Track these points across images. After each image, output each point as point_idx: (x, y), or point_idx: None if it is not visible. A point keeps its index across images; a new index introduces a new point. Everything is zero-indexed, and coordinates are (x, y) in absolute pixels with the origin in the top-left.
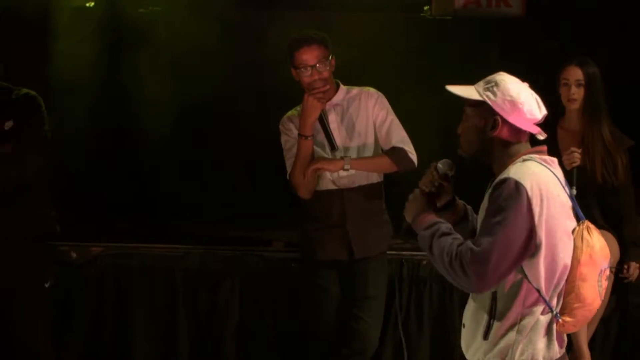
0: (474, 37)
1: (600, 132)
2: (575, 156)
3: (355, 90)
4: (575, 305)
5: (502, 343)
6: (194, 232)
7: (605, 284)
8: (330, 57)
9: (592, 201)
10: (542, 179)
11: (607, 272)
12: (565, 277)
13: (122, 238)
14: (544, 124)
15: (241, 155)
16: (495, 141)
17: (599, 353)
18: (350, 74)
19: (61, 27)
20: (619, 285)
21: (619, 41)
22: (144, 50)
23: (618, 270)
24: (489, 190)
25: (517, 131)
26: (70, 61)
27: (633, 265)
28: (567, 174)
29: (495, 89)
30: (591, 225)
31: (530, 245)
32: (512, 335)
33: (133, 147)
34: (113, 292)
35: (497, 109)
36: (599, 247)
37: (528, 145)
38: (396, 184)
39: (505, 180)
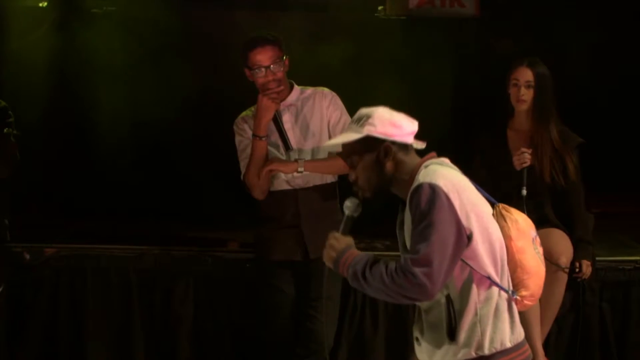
0: (428, 37)
1: (549, 133)
2: (526, 156)
3: (309, 90)
4: (525, 277)
5: (470, 338)
6: (148, 233)
7: (541, 249)
8: (284, 58)
9: (544, 200)
10: (449, 176)
11: (538, 239)
12: (505, 255)
13: (76, 239)
14: (493, 123)
15: (196, 155)
16: (391, 166)
17: (553, 352)
18: (305, 74)
19: (13, 27)
20: (573, 284)
21: (572, 40)
22: (98, 51)
23: (571, 270)
24: (407, 203)
25: (404, 148)
26: (23, 62)
27: (585, 263)
28: (518, 174)
29: (370, 120)
30: (506, 205)
31: (462, 238)
32: (476, 328)
33: (87, 148)
34: (67, 293)
35: (382, 135)
36: (522, 219)
37: (416, 156)
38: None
39: (418, 186)
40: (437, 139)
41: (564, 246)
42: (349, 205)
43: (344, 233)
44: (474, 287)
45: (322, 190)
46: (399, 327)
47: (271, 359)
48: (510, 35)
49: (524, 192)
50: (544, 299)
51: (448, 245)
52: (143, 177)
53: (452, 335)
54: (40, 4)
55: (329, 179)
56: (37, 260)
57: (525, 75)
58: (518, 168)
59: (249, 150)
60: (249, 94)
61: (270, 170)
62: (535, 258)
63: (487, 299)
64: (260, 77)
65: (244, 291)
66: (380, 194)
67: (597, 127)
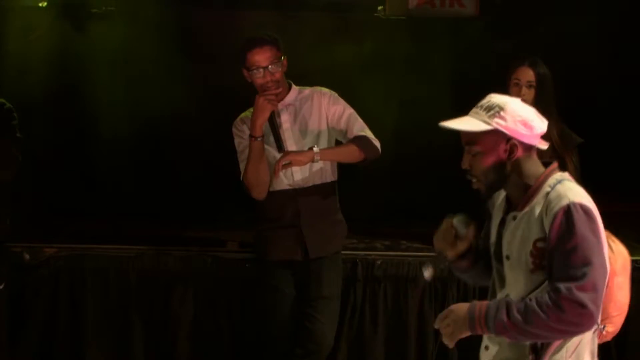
0: (427, 37)
1: (548, 133)
2: None
3: (307, 90)
4: (615, 314)
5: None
6: (148, 233)
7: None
8: (282, 58)
9: None
10: (587, 197)
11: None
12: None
13: (75, 239)
14: None
15: (196, 155)
16: (513, 165)
17: None
18: (303, 74)
19: (13, 27)
20: None
21: (572, 40)
22: (98, 51)
23: None
24: (537, 212)
25: (529, 149)
26: (22, 62)
27: None
28: None
29: (502, 113)
30: (611, 234)
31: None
32: (562, 352)
33: (87, 148)
34: (66, 293)
35: (512, 133)
36: (626, 254)
37: (539, 160)
38: (350, 179)
39: (569, 206)
40: (438, 140)
41: None
42: (457, 226)
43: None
44: None
45: (321, 190)
46: (399, 327)
47: (270, 359)
48: (510, 35)
49: None
50: None
51: (607, 269)
52: (143, 177)
53: (535, 353)
54: (40, 4)
55: (328, 178)
56: (37, 260)
57: (527, 75)
58: None
59: (247, 152)
60: (251, 94)
61: (286, 164)
62: (627, 297)
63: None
64: (259, 77)
65: (244, 291)
66: (494, 191)
67: (597, 126)
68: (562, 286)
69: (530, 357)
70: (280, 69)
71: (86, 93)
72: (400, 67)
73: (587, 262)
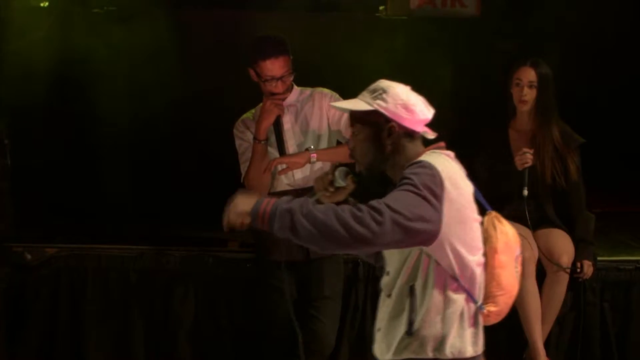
0: (428, 37)
1: (550, 134)
2: (527, 157)
3: (308, 90)
4: (498, 293)
5: (429, 336)
6: (148, 233)
7: (520, 269)
8: (291, 63)
9: (545, 201)
10: (451, 170)
11: (521, 257)
12: (481, 267)
13: (76, 239)
14: (495, 124)
15: (196, 155)
16: (392, 147)
17: (554, 352)
18: (306, 74)
19: (14, 27)
20: (574, 284)
21: (572, 40)
22: (99, 51)
23: (572, 270)
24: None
25: (411, 134)
26: (24, 62)
27: (586, 263)
28: (519, 175)
29: (384, 95)
30: (499, 215)
31: (429, 217)
32: (438, 326)
33: (87, 148)
34: (67, 293)
35: (391, 115)
36: (512, 234)
37: (422, 145)
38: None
39: (419, 161)
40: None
41: (565, 246)
42: (336, 175)
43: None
44: (441, 286)
45: None
46: None
47: (271, 359)
48: (511, 35)
49: (526, 192)
50: (545, 299)
51: (421, 212)
52: (143, 176)
53: (410, 329)
54: (42, 4)
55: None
56: (38, 260)
57: (528, 75)
58: (520, 168)
59: (249, 153)
60: (252, 94)
61: (280, 163)
62: (513, 276)
63: (453, 302)
64: (271, 86)
65: (244, 291)
66: (374, 172)
67: (598, 126)
68: (378, 202)
69: (405, 331)
70: (292, 77)
71: (87, 93)
72: (401, 67)
73: (405, 193)
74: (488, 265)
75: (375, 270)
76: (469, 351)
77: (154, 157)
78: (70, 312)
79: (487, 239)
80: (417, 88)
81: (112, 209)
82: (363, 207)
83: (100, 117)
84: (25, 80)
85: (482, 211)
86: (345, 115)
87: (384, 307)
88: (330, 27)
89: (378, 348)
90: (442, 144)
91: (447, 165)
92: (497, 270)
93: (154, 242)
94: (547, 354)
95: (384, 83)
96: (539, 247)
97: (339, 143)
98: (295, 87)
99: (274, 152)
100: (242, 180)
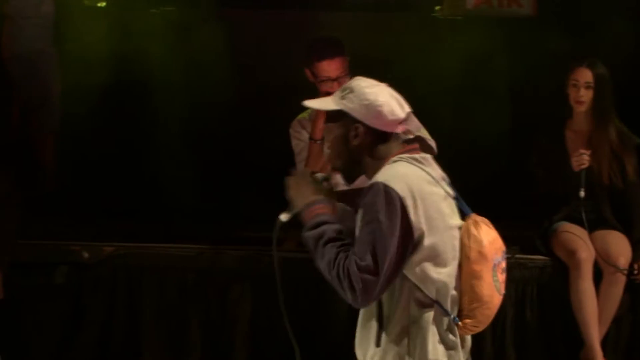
0: (485, 37)
1: (607, 134)
2: (584, 158)
3: None
4: (474, 305)
5: (395, 349)
6: (205, 233)
7: (502, 277)
8: (348, 64)
9: (602, 202)
10: (411, 179)
11: (503, 264)
12: (453, 277)
13: (134, 238)
14: (553, 125)
15: (252, 154)
16: (361, 149)
17: (611, 353)
18: (361, 74)
19: (71, 27)
20: (631, 285)
21: (631, 40)
22: (155, 51)
23: (629, 271)
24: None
25: (381, 134)
26: (81, 62)
27: None
28: (576, 176)
29: (350, 95)
30: (479, 219)
31: (409, 247)
32: (404, 341)
33: (145, 148)
34: (124, 292)
35: (357, 115)
36: (488, 241)
37: (397, 145)
38: None
39: (373, 185)
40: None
41: (622, 248)
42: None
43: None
44: (406, 300)
45: None
46: None
47: (326, 359)
48: (568, 35)
49: (582, 193)
50: (602, 300)
51: (395, 257)
52: (199, 176)
53: (378, 340)
54: (99, 4)
55: None
56: (96, 258)
57: (585, 76)
58: (576, 169)
59: (304, 153)
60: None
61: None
62: (490, 287)
63: (422, 315)
64: (327, 87)
65: (301, 291)
66: (349, 173)
67: None
68: (351, 257)
69: (374, 342)
70: (347, 78)
71: (142, 92)
72: (457, 67)
73: (371, 244)
74: (463, 276)
75: None
76: None
77: (212, 156)
78: (127, 311)
79: (461, 249)
80: (474, 88)
81: (170, 209)
82: (345, 272)
83: (156, 117)
84: (82, 80)
85: (462, 216)
86: None
87: (359, 318)
88: (386, 28)
89: (357, 351)
90: (416, 145)
91: (407, 176)
92: (472, 282)
93: (211, 242)
94: (604, 355)
95: (355, 81)
96: (595, 249)
97: None
98: None
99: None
100: None
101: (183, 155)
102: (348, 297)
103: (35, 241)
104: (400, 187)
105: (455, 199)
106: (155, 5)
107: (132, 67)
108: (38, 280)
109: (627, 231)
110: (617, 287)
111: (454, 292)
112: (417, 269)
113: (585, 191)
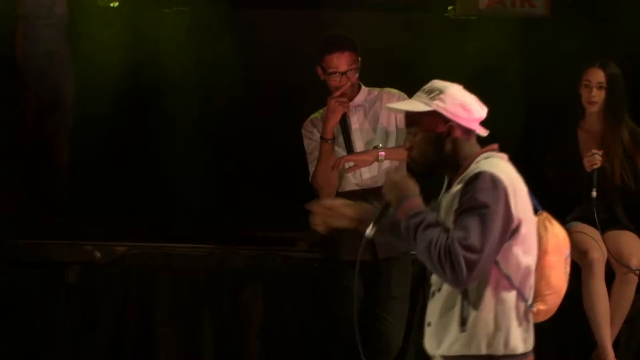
0: (497, 37)
1: (619, 135)
2: (597, 158)
3: (376, 91)
4: (547, 292)
5: (482, 333)
6: (217, 233)
7: (568, 269)
8: (359, 60)
9: (614, 202)
10: (509, 173)
11: (569, 259)
12: (534, 267)
13: (146, 238)
14: (565, 126)
15: (264, 155)
16: (451, 146)
17: (623, 353)
18: (374, 75)
19: (84, 27)
20: None
21: None
22: (167, 50)
23: None
24: (458, 186)
25: (467, 133)
26: (94, 62)
27: None
28: (588, 176)
29: (442, 95)
30: (550, 216)
31: (507, 234)
32: (490, 324)
33: (158, 148)
34: (136, 291)
35: (450, 115)
36: (562, 235)
37: (477, 143)
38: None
39: (479, 174)
40: (508, 139)
41: (634, 248)
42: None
43: (378, 222)
44: (493, 284)
45: None
46: None
47: (338, 359)
48: (581, 36)
49: (594, 193)
50: (614, 300)
51: (497, 239)
52: (212, 176)
53: (463, 324)
54: (112, 4)
55: None
56: (108, 258)
57: (597, 76)
58: (588, 169)
59: (316, 153)
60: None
61: (348, 160)
62: (562, 277)
63: (505, 300)
64: (336, 81)
65: (313, 291)
66: (432, 172)
67: None
68: (451, 237)
69: (458, 327)
70: (357, 74)
71: (155, 92)
72: (470, 67)
73: (476, 225)
74: (538, 265)
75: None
76: (520, 348)
77: (223, 156)
78: (139, 311)
79: (538, 240)
80: (486, 88)
81: (182, 209)
82: (446, 253)
83: (168, 117)
84: (95, 80)
85: (534, 212)
86: None
87: (434, 302)
88: (398, 27)
89: (428, 342)
90: (496, 145)
91: (505, 170)
92: (547, 270)
93: (223, 242)
94: (616, 356)
95: (438, 83)
96: (608, 249)
97: None
98: (363, 87)
99: (341, 152)
100: (310, 180)
101: (195, 155)
102: (448, 276)
103: (47, 241)
104: (504, 178)
105: (530, 195)
106: (168, 5)
107: (144, 67)
108: (50, 279)
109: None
110: (629, 288)
111: (532, 279)
112: (511, 255)
113: (598, 191)
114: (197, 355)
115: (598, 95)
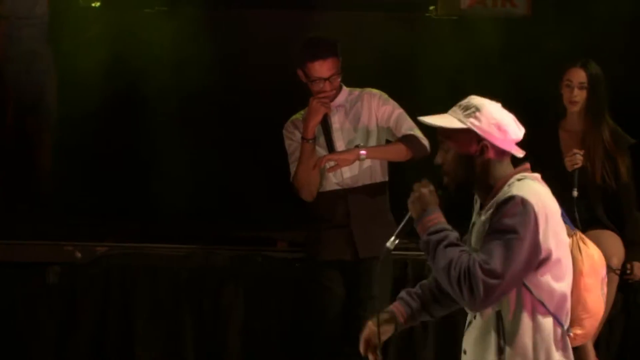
0: (479, 37)
1: (600, 134)
2: (578, 158)
3: (357, 91)
4: (584, 316)
5: None
6: (198, 232)
7: (606, 290)
8: (340, 65)
9: (595, 202)
10: (543, 196)
11: (606, 279)
12: (569, 291)
13: (126, 238)
14: (546, 125)
15: (246, 156)
16: (483, 166)
17: (604, 353)
18: (355, 74)
19: (65, 27)
20: (624, 285)
21: (625, 40)
22: (149, 50)
23: (622, 271)
24: (490, 210)
25: (501, 153)
26: (76, 62)
27: (636, 265)
28: (569, 175)
29: (478, 114)
30: (583, 236)
31: (534, 262)
32: (529, 351)
33: (138, 148)
34: (117, 292)
35: (484, 134)
36: (597, 256)
37: (510, 164)
38: (398, 184)
39: (511, 198)
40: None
41: (615, 248)
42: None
43: (400, 234)
44: (529, 312)
45: (371, 190)
46: (449, 328)
47: (320, 358)
48: (562, 36)
49: (575, 193)
50: None
51: (521, 265)
52: (192, 175)
53: (500, 355)
54: (93, 4)
55: (379, 178)
56: (88, 259)
57: (579, 76)
58: (570, 169)
59: (297, 154)
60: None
61: (330, 159)
62: (599, 299)
63: (542, 326)
64: (319, 86)
65: (294, 291)
66: (462, 189)
67: None
68: (474, 260)
69: (495, 357)
70: (340, 78)
71: (136, 92)
72: (451, 67)
73: (501, 251)
74: (574, 288)
75: (424, 271)
76: None
77: (203, 157)
78: (120, 311)
79: (572, 262)
80: (468, 88)
81: (163, 209)
82: (466, 275)
83: (150, 117)
84: (76, 79)
85: (568, 232)
86: (395, 114)
87: (470, 329)
88: (380, 27)
89: None
90: (528, 165)
91: (539, 193)
92: (583, 293)
93: (204, 242)
94: (597, 355)
95: (476, 100)
96: None
97: (388, 142)
98: (344, 87)
99: (322, 152)
100: (291, 180)
101: (177, 155)
102: (465, 298)
103: (28, 241)
104: (535, 202)
105: (562, 215)
106: (150, 5)
107: (126, 67)
108: (31, 280)
109: (620, 231)
110: (610, 288)
111: (568, 304)
112: (542, 282)
113: (579, 191)
114: (178, 355)
115: (579, 95)
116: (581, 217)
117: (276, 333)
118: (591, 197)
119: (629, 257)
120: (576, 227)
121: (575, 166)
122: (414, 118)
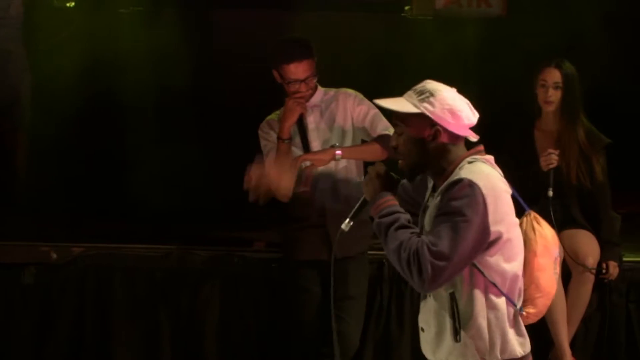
0: (454, 37)
1: (575, 134)
2: (553, 158)
3: (332, 91)
4: (537, 295)
5: (478, 342)
6: (174, 233)
7: (558, 270)
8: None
9: (570, 202)
10: (492, 178)
11: (559, 259)
12: (521, 271)
13: (103, 239)
14: (521, 125)
15: (221, 156)
16: (436, 150)
17: (580, 352)
18: (330, 74)
19: (42, 28)
20: (600, 284)
21: (599, 40)
22: (124, 50)
23: (598, 271)
24: (440, 192)
25: (455, 137)
26: (51, 63)
27: (612, 264)
28: (544, 175)
29: (432, 99)
30: (537, 215)
31: (483, 243)
32: (484, 332)
33: (114, 149)
34: (94, 292)
35: (437, 119)
36: (551, 236)
37: (464, 148)
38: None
39: (458, 181)
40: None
41: (590, 247)
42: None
43: (355, 216)
44: (482, 292)
45: (347, 189)
46: None
47: (297, 359)
48: (537, 36)
49: (551, 193)
50: (571, 300)
51: (469, 247)
52: (168, 176)
53: (456, 335)
54: (68, 4)
55: (355, 178)
56: (64, 259)
57: (553, 76)
58: (545, 169)
59: (273, 154)
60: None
61: (305, 159)
62: (552, 279)
63: (496, 307)
64: (295, 88)
65: (270, 291)
66: (417, 172)
67: (623, 126)
68: (424, 242)
69: (452, 338)
70: (315, 79)
71: (112, 92)
72: (426, 67)
73: (448, 233)
74: (527, 268)
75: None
76: (518, 352)
77: (180, 157)
78: (97, 312)
79: (526, 242)
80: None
81: (139, 209)
82: (414, 257)
83: (126, 117)
84: (51, 80)
85: (521, 211)
86: (370, 114)
87: (426, 307)
88: (355, 27)
89: (424, 348)
90: (482, 147)
91: (488, 175)
92: (536, 273)
93: (180, 242)
94: (573, 354)
95: (431, 85)
96: (564, 248)
97: (363, 142)
98: (319, 88)
99: (298, 152)
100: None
101: (152, 155)
102: (414, 280)
103: (3, 242)
104: (483, 185)
105: (513, 195)
106: (124, 5)
107: (101, 67)
108: (6, 281)
109: (595, 230)
110: (585, 287)
111: (520, 284)
112: (493, 263)
113: (554, 190)
114: (155, 356)
115: (554, 95)
116: (556, 217)
117: (253, 333)
118: (566, 196)
119: (604, 256)
120: (552, 226)
121: (551, 166)
122: (389, 118)
